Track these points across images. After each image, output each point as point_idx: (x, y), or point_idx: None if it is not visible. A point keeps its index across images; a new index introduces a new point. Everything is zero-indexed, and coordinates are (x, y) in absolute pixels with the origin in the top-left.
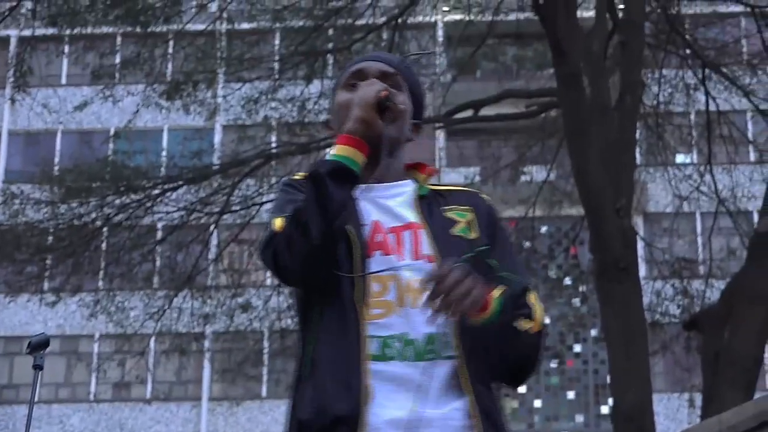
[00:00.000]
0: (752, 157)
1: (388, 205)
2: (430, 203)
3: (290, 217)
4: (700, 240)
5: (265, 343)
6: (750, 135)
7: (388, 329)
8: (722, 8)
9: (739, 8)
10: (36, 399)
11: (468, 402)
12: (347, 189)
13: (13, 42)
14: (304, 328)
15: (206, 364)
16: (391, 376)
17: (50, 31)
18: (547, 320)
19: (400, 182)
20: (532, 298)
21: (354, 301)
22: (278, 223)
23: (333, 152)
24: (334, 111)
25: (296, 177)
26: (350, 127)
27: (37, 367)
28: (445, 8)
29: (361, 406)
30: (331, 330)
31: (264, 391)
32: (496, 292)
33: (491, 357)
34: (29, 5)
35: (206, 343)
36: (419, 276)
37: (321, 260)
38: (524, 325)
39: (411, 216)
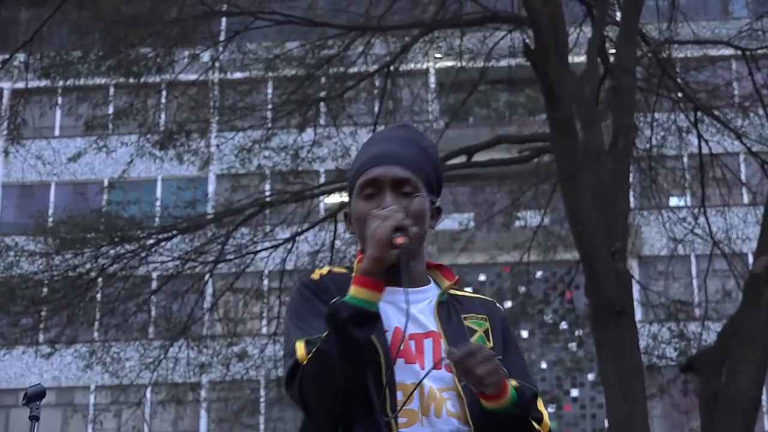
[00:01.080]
0: (746, 198)
1: (411, 311)
2: (449, 310)
3: (315, 356)
4: (695, 282)
5: (262, 392)
6: (743, 177)
7: None
8: (713, 51)
9: (729, 51)
10: None
11: None
12: (369, 329)
13: (6, 94)
14: None
15: (203, 414)
16: None
17: (43, 83)
18: (544, 365)
19: (421, 288)
20: (540, 405)
21: (383, 413)
22: (301, 350)
23: (351, 293)
24: (354, 217)
25: (314, 277)
26: (365, 267)
27: (34, 418)
28: (437, 55)
29: None
30: None
31: None
32: (513, 382)
33: None
34: (22, 57)
35: (203, 393)
36: (441, 385)
37: (349, 397)
38: (536, 425)
39: (431, 323)
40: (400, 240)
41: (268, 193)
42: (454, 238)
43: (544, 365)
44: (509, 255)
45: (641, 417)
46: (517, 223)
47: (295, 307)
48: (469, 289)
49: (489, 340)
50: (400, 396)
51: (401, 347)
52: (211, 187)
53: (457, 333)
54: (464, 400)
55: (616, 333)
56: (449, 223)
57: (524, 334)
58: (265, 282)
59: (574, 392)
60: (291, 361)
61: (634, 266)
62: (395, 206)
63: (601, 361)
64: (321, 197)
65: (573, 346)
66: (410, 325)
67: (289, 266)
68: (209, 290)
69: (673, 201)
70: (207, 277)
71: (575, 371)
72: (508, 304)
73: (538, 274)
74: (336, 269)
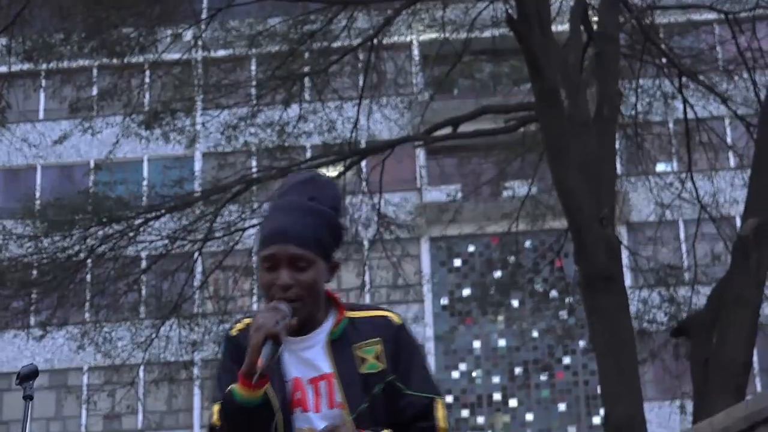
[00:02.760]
0: (732, 162)
1: (306, 357)
2: (341, 345)
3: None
4: (684, 247)
5: None
6: (729, 140)
7: None
8: (696, 16)
9: (713, 15)
10: None
11: None
12: (260, 413)
13: None
14: None
15: (197, 392)
16: None
17: (26, 66)
18: (536, 334)
19: (316, 331)
20: (438, 409)
21: None
22: (215, 414)
23: (236, 390)
24: (260, 284)
25: (232, 333)
26: (244, 370)
27: (28, 398)
28: (420, 27)
29: None
30: None
31: None
32: None
33: None
34: (4, 41)
35: (195, 371)
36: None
37: None
38: None
39: (324, 365)
40: (260, 363)
41: (255, 170)
42: (441, 209)
43: (535, 334)
44: (497, 225)
45: (633, 382)
46: (505, 193)
47: (219, 362)
48: (367, 303)
49: (380, 362)
50: None
51: (303, 394)
52: (197, 166)
53: (348, 368)
54: None
55: (606, 299)
56: (437, 195)
57: (515, 303)
58: (254, 259)
59: (566, 360)
60: (209, 422)
61: (622, 232)
62: (273, 306)
63: (592, 327)
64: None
65: (564, 314)
66: (306, 371)
67: None
68: (199, 269)
69: (660, 167)
70: (196, 255)
71: (566, 339)
72: (498, 274)
73: (527, 243)
74: (244, 324)
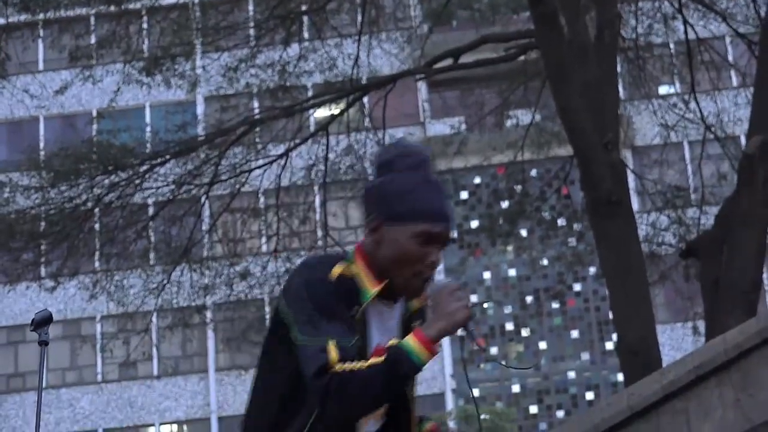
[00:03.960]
0: (735, 81)
1: (388, 326)
2: (409, 325)
3: (357, 378)
4: (690, 168)
5: (267, 309)
6: (731, 59)
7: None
8: None
9: None
10: (44, 382)
11: None
12: (415, 376)
13: None
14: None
15: (210, 336)
16: None
17: (23, 16)
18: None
19: (398, 303)
20: None
21: None
22: (333, 352)
23: (413, 348)
24: (395, 247)
25: (331, 277)
26: (433, 334)
27: (43, 343)
28: None
29: None
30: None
31: None
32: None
33: None
34: None
35: (208, 315)
36: None
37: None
38: None
39: (394, 338)
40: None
41: (257, 111)
42: (446, 142)
43: (545, 262)
44: (503, 155)
45: (645, 305)
46: (509, 123)
47: (317, 298)
48: None
49: None
50: None
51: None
52: (200, 110)
53: None
54: None
55: (614, 224)
56: (441, 127)
57: (524, 232)
58: (262, 200)
59: (577, 287)
60: (322, 358)
61: (627, 156)
62: (463, 293)
63: (602, 253)
64: (311, 111)
65: (573, 240)
66: (384, 339)
67: (284, 182)
68: (206, 212)
69: (663, 89)
70: (203, 199)
71: (576, 265)
72: (505, 204)
73: (533, 172)
74: (345, 271)
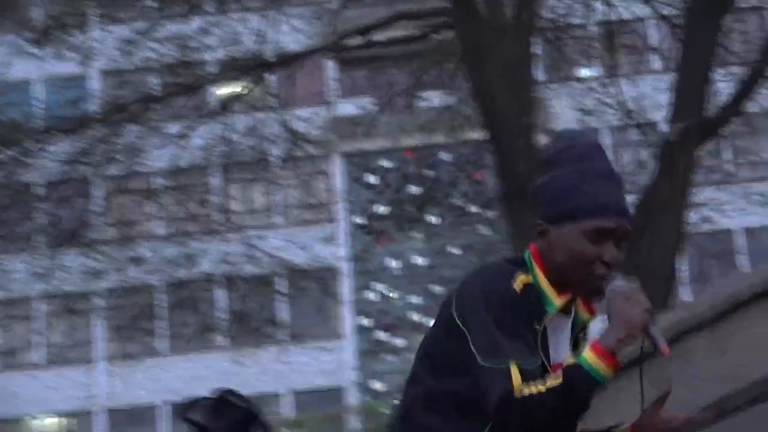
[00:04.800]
0: (657, 65)
1: (560, 339)
2: (581, 337)
3: (538, 401)
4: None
5: (160, 296)
6: (654, 41)
7: None
8: None
9: None
10: None
11: None
12: (598, 391)
13: None
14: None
15: (100, 323)
16: None
17: None
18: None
19: (569, 315)
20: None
21: None
22: (516, 377)
23: (592, 362)
24: (568, 249)
25: (516, 289)
26: (612, 345)
27: None
28: None
29: None
30: None
31: (162, 347)
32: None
33: None
34: None
35: (98, 301)
36: None
37: None
38: None
39: (565, 353)
40: (664, 348)
41: (156, 88)
42: (354, 123)
43: (454, 250)
44: (413, 138)
45: None
46: (421, 104)
47: (500, 313)
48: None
49: None
50: None
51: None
52: (95, 85)
53: None
54: None
55: (529, 212)
56: (349, 108)
57: (433, 219)
58: (158, 181)
59: None
60: (506, 384)
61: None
62: (638, 289)
63: (515, 241)
64: (212, 88)
65: (484, 228)
66: (559, 354)
67: (183, 163)
68: (99, 193)
69: (583, 72)
70: (96, 179)
71: (488, 254)
72: (415, 189)
73: (445, 155)
74: (527, 281)
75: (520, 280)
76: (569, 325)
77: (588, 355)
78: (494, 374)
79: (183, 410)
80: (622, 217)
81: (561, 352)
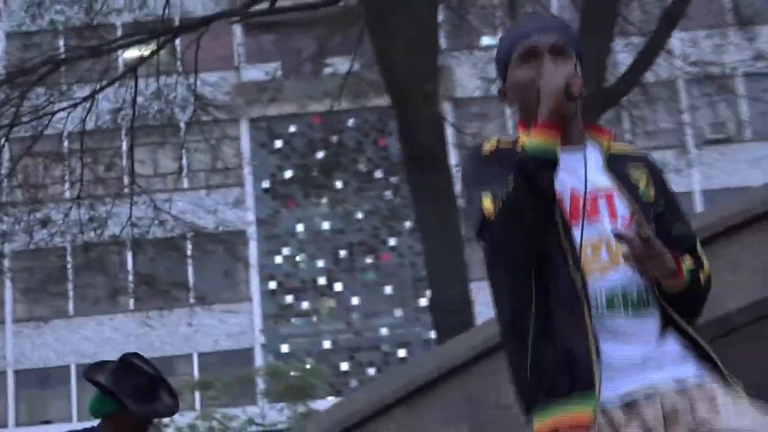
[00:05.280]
0: None
1: (579, 175)
2: (614, 166)
3: (504, 207)
4: (510, 123)
5: (69, 258)
6: (555, 10)
7: (608, 287)
8: None
9: None
10: None
11: (678, 338)
12: (552, 174)
13: None
14: (523, 297)
15: (8, 285)
16: (616, 328)
17: None
18: (360, 215)
19: (583, 146)
20: (699, 249)
21: (576, 267)
22: (487, 203)
23: (534, 141)
24: (512, 86)
25: (485, 151)
26: (546, 117)
27: None
28: None
29: (592, 347)
30: (560, 296)
31: (71, 309)
32: (687, 264)
33: (683, 307)
34: None
35: (6, 263)
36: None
37: (539, 241)
38: (702, 277)
39: (602, 180)
40: (576, 89)
41: (62, 50)
42: (261, 89)
43: (360, 215)
44: (319, 104)
45: (459, 262)
46: (327, 70)
47: (472, 172)
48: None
49: (650, 192)
50: (590, 252)
51: (586, 205)
52: (0, 47)
53: (628, 188)
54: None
55: (431, 178)
56: (255, 73)
57: (339, 184)
58: (66, 144)
59: (392, 241)
60: (478, 213)
61: (447, 109)
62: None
63: (418, 206)
64: (119, 51)
65: (389, 194)
66: (580, 183)
67: (90, 126)
68: (6, 156)
69: (486, 40)
70: (2, 141)
71: (392, 220)
72: (321, 154)
73: (350, 122)
74: (502, 142)
75: (488, 146)
76: (591, 156)
77: (524, 139)
78: (470, 212)
79: (89, 373)
80: (544, 32)
81: (589, 181)
